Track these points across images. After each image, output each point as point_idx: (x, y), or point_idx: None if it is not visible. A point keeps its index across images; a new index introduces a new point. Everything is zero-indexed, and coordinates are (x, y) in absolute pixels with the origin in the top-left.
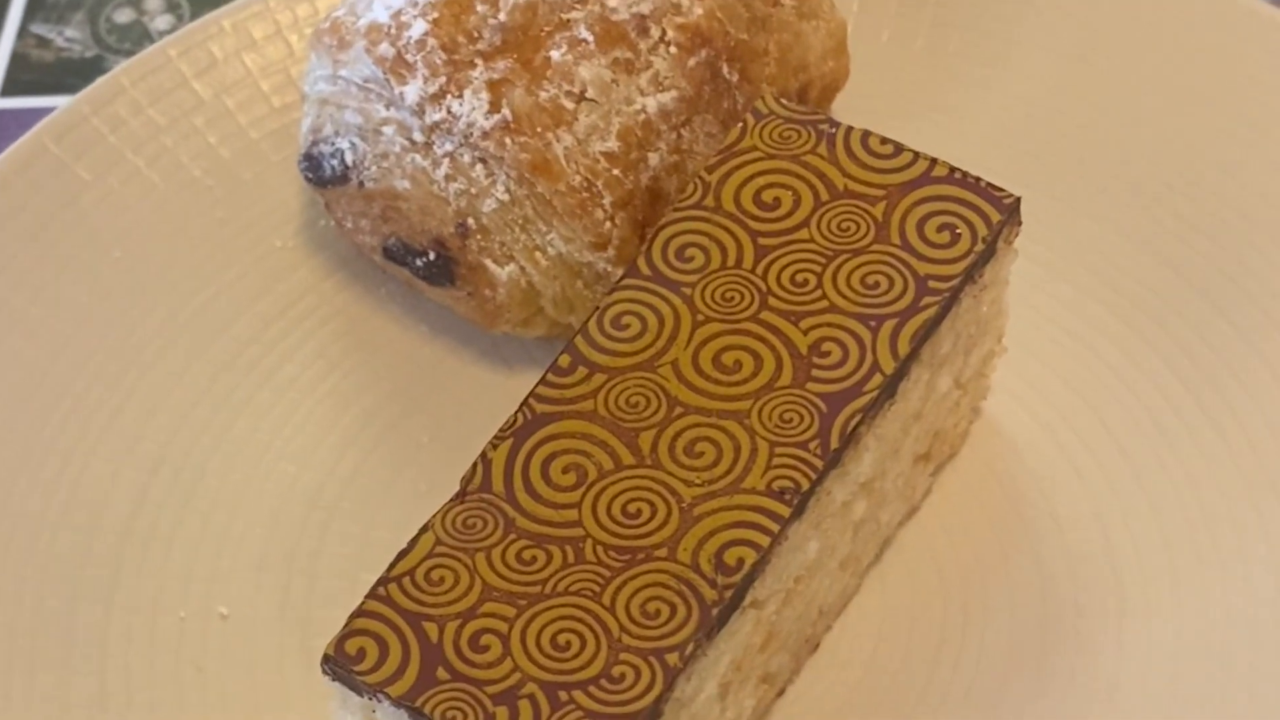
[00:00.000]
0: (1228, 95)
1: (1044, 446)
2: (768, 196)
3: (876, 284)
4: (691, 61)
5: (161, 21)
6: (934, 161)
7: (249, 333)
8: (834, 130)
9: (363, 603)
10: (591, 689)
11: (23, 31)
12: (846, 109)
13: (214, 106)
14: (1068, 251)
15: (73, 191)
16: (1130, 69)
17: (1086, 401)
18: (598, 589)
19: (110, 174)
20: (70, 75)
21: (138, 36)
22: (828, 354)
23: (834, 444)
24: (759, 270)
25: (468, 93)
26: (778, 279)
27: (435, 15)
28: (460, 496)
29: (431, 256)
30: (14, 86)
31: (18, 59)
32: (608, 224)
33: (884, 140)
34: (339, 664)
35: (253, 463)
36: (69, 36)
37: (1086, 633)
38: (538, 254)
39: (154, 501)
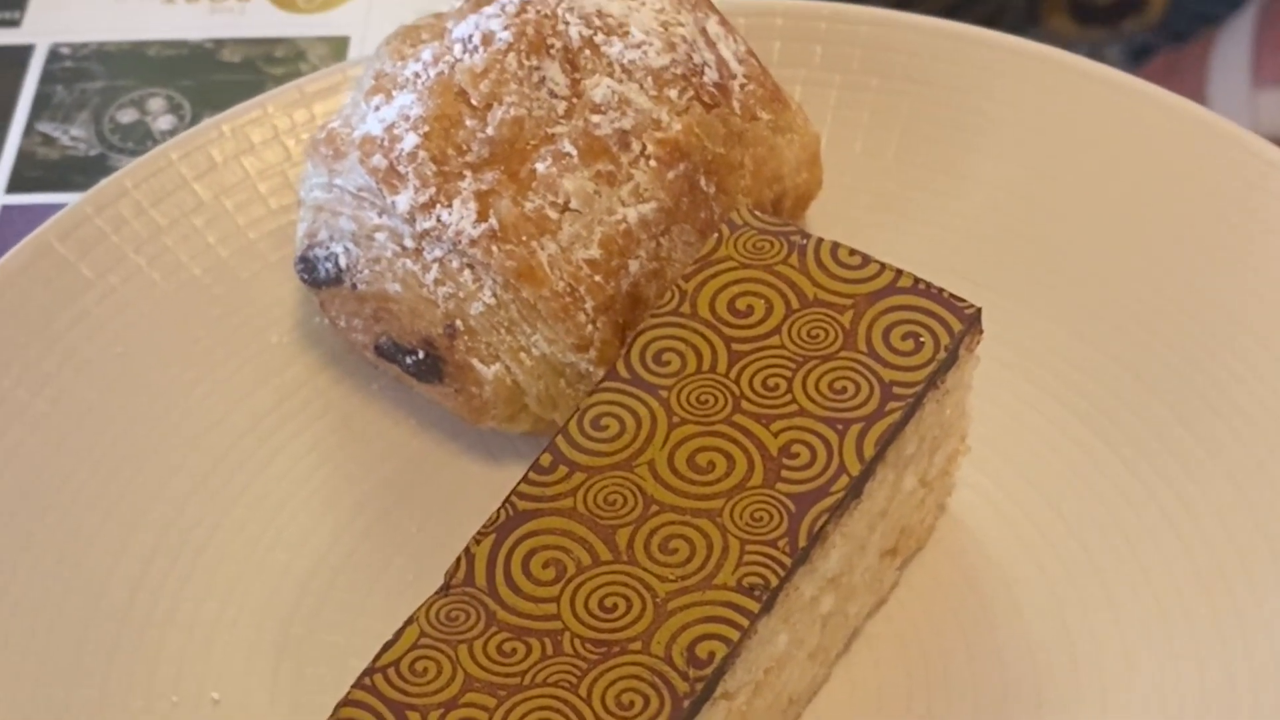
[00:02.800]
0: (1188, 205)
1: (1007, 541)
2: (741, 304)
3: (844, 389)
4: (670, 174)
5: (164, 122)
6: (899, 273)
7: (244, 425)
8: (805, 241)
9: (349, 692)
10: None
11: (29, 130)
12: (821, 216)
13: (213, 208)
14: (1031, 355)
15: (76, 289)
16: (1092, 180)
17: (1047, 499)
18: (575, 680)
19: (112, 272)
20: (75, 173)
21: (140, 136)
22: (797, 456)
23: (802, 542)
24: (732, 375)
25: (456, 202)
26: (750, 383)
27: (426, 129)
28: (444, 590)
29: (421, 355)
30: (20, 183)
31: (24, 156)
32: (590, 327)
33: (852, 252)
34: None
35: (246, 551)
36: (74, 135)
37: None
38: (522, 354)
39: (149, 589)
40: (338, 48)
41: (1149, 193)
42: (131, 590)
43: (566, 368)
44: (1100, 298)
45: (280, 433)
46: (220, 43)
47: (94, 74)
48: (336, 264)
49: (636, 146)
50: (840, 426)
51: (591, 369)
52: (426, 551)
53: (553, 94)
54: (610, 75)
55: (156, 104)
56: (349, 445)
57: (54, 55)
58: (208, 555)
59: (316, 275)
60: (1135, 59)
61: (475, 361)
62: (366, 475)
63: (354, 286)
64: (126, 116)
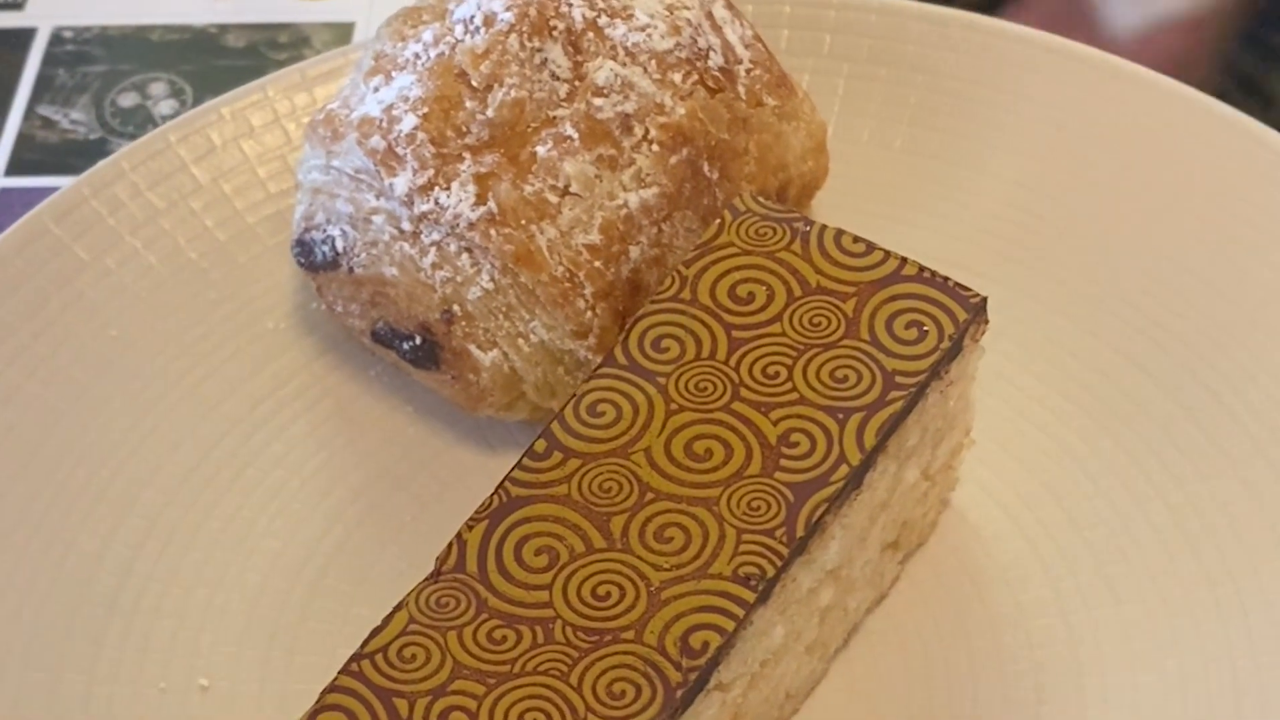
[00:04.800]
0: (1199, 198)
1: (1010, 537)
2: (742, 291)
3: (845, 378)
4: (673, 159)
5: (165, 106)
6: (904, 260)
7: (239, 411)
8: (808, 228)
9: (335, 678)
10: None
11: (29, 113)
12: (827, 206)
13: (211, 191)
14: (1039, 348)
15: (71, 271)
16: (1102, 171)
17: (1053, 494)
18: (565, 669)
19: (108, 255)
20: (74, 156)
21: (141, 120)
22: (796, 445)
23: (799, 532)
24: (732, 362)
25: (455, 185)
26: (749, 371)
27: (425, 110)
28: (435, 576)
29: (418, 341)
30: (19, 166)
31: (24, 139)
32: (589, 313)
33: (856, 239)
34: None
35: (238, 538)
36: (74, 119)
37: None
38: (520, 341)
39: (140, 574)
40: (342, 34)
41: (1159, 185)
42: (121, 576)
43: (565, 355)
44: (1109, 292)
45: (275, 419)
46: (224, 28)
47: (96, 57)
48: (333, 247)
49: (639, 130)
50: (841, 415)
51: (590, 356)
52: (420, 540)
53: (554, 76)
54: (613, 58)
55: (158, 88)
56: (345, 432)
57: (56, 38)
58: (200, 542)
59: (313, 259)
60: None
61: (472, 348)
62: (361, 463)
63: (351, 270)
64: (127, 100)
